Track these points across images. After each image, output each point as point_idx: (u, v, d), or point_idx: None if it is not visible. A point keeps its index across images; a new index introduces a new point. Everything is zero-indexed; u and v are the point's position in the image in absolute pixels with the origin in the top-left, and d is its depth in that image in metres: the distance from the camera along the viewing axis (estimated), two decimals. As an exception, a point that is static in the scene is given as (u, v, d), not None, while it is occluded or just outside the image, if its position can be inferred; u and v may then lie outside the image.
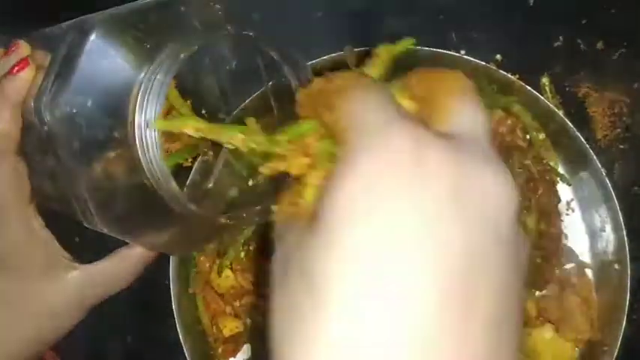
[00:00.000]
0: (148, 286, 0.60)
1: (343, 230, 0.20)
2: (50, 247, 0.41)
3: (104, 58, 0.31)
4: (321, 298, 0.20)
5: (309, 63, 0.55)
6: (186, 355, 0.54)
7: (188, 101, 0.44)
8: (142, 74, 0.32)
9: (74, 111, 0.30)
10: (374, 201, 0.20)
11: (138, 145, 0.32)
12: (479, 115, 0.25)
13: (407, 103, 0.26)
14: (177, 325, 0.54)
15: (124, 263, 0.41)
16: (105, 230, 0.34)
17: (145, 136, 0.31)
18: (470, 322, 0.20)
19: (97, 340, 0.62)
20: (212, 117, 0.44)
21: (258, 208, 0.37)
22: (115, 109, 0.31)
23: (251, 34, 0.36)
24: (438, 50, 0.56)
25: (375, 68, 0.30)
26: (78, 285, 0.40)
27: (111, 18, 0.32)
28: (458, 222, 0.20)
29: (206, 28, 0.36)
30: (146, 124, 0.31)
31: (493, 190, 0.22)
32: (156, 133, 0.31)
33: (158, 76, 0.31)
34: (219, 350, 0.56)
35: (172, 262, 0.55)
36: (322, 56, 0.56)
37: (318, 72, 0.56)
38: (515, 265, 0.22)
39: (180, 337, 0.54)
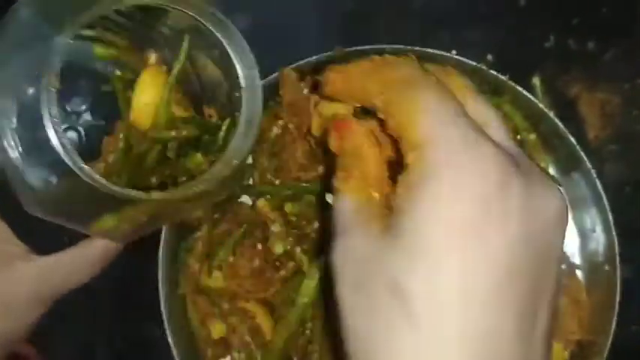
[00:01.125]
0: (137, 287, 0.59)
1: (445, 257, 0.22)
2: (2, 237, 0.40)
3: (27, 33, 0.30)
4: (419, 320, 0.22)
5: (300, 62, 0.55)
6: (175, 357, 0.53)
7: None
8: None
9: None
10: (467, 232, 0.22)
11: (44, 117, 0.30)
12: (500, 120, 0.27)
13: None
14: (166, 327, 0.54)
15: (85, 255, 0.40)
16: (41, 216, 0.32)
17: (49, 105, 0.30)
18: (534, 334, 0.23)
19: (85, 342, 0.61)
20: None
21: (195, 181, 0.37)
22: (35, 85, 0.30)
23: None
24: (429, 50, 0.55)
25: None
26: (34, 277, 0.39)
27: None
28: (534, 255, 0.23)
29: None
30: (47, 92, 0.30)
31: (555, 213, 0.24)
32: (53, 96, 0.30)
33: (58, 39, 0.30)
34: (209, 353, 0.56)
35: (161, 262, 0.54)
36: (312, 56, 0.56)
37: (310, 71, 0.56)
38: (559, 275, 0.25)
39: (169, 339, 0.53)
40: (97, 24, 0.32)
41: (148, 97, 0.39)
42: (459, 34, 0.60)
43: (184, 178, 0.41)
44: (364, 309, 0.23)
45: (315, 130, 0.31)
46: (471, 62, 0.55)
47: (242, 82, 0.38)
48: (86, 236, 0.39)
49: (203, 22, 0.37)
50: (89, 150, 0.30)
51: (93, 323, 0.60)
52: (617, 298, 0.52)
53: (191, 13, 0.36)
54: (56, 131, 0.29)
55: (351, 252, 0.24)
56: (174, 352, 0.53)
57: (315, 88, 0.38)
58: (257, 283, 0.52)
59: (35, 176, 0.32)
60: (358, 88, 0.26)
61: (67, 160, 0.30)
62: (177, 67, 0.40)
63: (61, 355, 0.60)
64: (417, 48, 0.56)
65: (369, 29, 0.61)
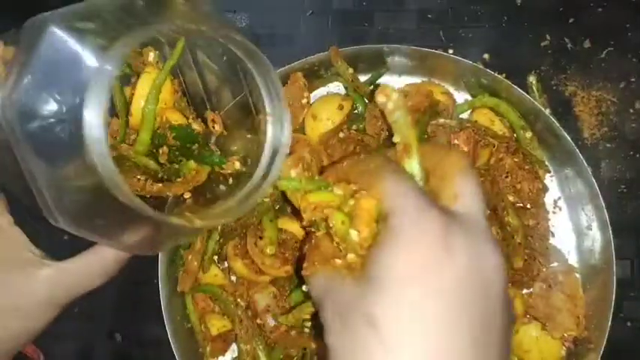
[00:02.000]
0: (137, 285, 0.60)
1: (405, 289, 0.28)
2: (19, 244, 0.40)
3: (61, 53, 0.30)
4: (390, 343, 0.28)
5: (297, 62, 0.55)
6: (175, 353, 0.54)
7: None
8: (95, 68, 0.31)
9: (32, 107, 0.30)
10: (414, 272, 0.28)
11: (87, 143, 0.31)
12: (479, 195, 0.33)
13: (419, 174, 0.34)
14: (166, 324, 0.54)
15: (97, 261, 0.41)
16: (67, 228, 0.33)
17: (92, 133, 0.30)
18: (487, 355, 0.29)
19: (86, 339, 0.62)
20: (198, 113, 0.44)
21: (217, 209, 0.37)
22: (72, 104, 0.31)
23: (204, 29, 0.35)
24: (427, 49, 0.56)
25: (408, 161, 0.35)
26: (49, 282, 0.40)
27: (68, 12, 0.31)
28: (476, 290, 0.29)
29: (163, 22, 0.35)
30: (92, 117, 0.30)
31: (494, 264, 0.30)
32: (102, 129, 0.30)
33: (107, 67, 0.31)
34: (208, 349, 0.56)
35: (161, 261, 0.55)
36: (310, 54, 0.57)
37: (307, 71, 0.56)
38: (509, 325, 0.31)
39: (169, 335, 0.54)
40: (94, 19, 0.33)
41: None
42: (456, 33, 0.61)
43: (179, 179, 0.42)
44: (348, 343, 0.29)
45: (306, 221, 0.37)
46: (467, 61, 0.55)
47: (269, 110, 0.39)
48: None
49: (238, 54, 0.37)
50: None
51: (93, 322, 0.61)
52: (613, 295, 0.52)
53: (231, 47, 0.37)
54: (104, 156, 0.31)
55: (334, 306, 0.31)
56: (174, 348, 0.54)
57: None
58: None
59: (68, 192, 0.33)
60: (343, 179, 0.36)
61: (112, 185, 0.31)
62: (167, 67, 0.39)
63: (62, 353, 0.61)
64: (414, 47, 0.56)
65: (366, 29, 0.61)
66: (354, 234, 0.33)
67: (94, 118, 0.30)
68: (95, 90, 0.31)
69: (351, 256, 0.33)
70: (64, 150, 0.32)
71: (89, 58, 0.31)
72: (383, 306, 0.28)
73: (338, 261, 0.33)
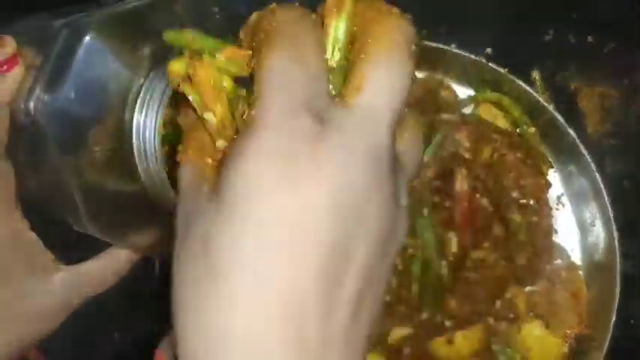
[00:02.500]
0: (137, 284, 0.59)
1: (242, 207, 0.22)
2: (35, 248, 0.40)
3: (99, 60, 0.30)
4: (217, 270, 0.22)
5: None
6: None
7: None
8: (142, 78, 0.31)
9: (66, 113, 0.30)
10: (270, 185, 0.22)
11: (135, 150, 0.31)
12: (392, 95, 0.24)
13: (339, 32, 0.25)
14: (167, 325, 0.54)
15: (111, 263, 0.41)
16: (93, 233, 0.33)
17: (144, 140, 0.31)
18: (339, 296, 0.23)
19: (85, 339, 0.61)
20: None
21: None
22: (108, 113, 0.31)
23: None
24: (429, 43, 0.55)
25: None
26: (63, 286, 0.40)
27: (106, 18, 0.31)
28: (338, 215, 0.22)
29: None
30: (146, 127, 0.31)
31: (369, 188, 0.23)
32: (155, 137, 0.31)
33: (156, 79, 0.31)
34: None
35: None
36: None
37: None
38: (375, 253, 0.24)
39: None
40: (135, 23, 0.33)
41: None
42: (459, 28, 0.60)
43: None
44: (182, 257, 0.23)
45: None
46: (470, 56, 0.55)
47: None
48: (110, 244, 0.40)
49: None
50: (76, 139, 0.31)
51: (93, 323, 0.60)
52: (617, 292, 0.52)
53: None
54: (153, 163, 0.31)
55: (186, 208, 0.25)
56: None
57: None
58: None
59: (102, 199, 0.33)
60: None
61: (160, 196, 0.31)
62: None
63: (62, 352, 0.60)
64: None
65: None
66: (208, 116, 0.26)
67: (146, 131, 0.30)
68: (146, 101, 0.31)
69: (220, 144, 0.26)
70: (100, 160, 0.32)
71: (130, 69, 0.31)
72: (221, 225, 0.22)
73: (209, 160, 0.26)
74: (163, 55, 0.32)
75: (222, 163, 0.23)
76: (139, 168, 0.31)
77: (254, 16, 0.26)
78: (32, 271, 0.40)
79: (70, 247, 0.42)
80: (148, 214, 0.33)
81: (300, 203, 0.22)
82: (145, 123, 0.31)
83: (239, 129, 0.25)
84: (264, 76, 0.23)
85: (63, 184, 0.32)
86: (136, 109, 0.31)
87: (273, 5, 0.26)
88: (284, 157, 0.22)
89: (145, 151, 0.31)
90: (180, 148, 0.28)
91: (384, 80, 0.24)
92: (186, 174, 0.27)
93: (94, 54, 0.30)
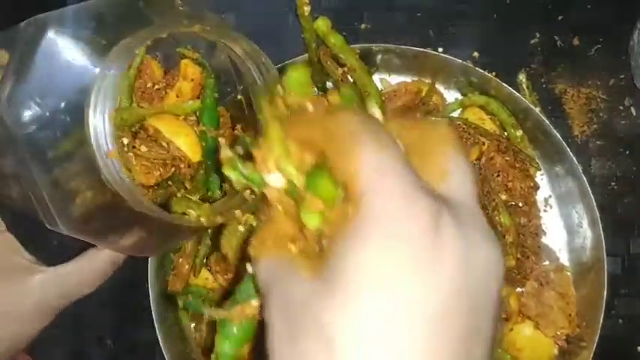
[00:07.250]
0: (127, 289, 0.59)
1: (376, 298, 0.22)
2: (13, 250, 0.40)
3: (60, 55, 0.30)
4: (339, 354, 0.21)
5: (287, 62, 0.55)
6: (166, 357, 0.53)
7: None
8: (105, 72, 0.31)
9: (31, 110, 0.30)
10: (393, 275, 0.22)
11: (93, 143, 0.31)
12: (469, 175, 0.26)
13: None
14: (157, 328, 0.54)
15: (91, 265, 0.41)
16: (66, 232, 0.33)
17: (98, 134, 0.31)
18: None
19: (76, 344, 0.61)
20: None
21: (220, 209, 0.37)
22: (73, 108, 0.31)
23: (209, 29, 0.35)
24: (416, 48, 0.56)
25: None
26: (42, 287, 0.40)
27: (66, 15, 0.31)
28: (464, 303, 0.23)
29: (165, 23, 0.35)
30: (99, 122, 0.31)
31: (490, 262, 0.24)
32: (109, 129, 0.31)
33: (111, 71, 0.30)
34: (200, 352, 0.56)
35: (151, 264, 0.54)
36: (298, 55, 0.56)
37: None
38: (496, 323, 0.24)
39: (160, 339, 0.53)
40: (93, 20, 0.33)
41: None
42: (446, 32, 0.60)
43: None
44: (295, 353, 0.23)
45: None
46: (457, 60, 0.55)
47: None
48: (93, 246, 0.40)
49: (239, 54, 0.37)
50: (41, 133, 0.31)
51: (83, 327, 0.60)
52: (605, 292, 0.52)
53: (236, 51, 0.36)
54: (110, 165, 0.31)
55: (282, 303, 0.24)
56: (165, 351, 0.53)
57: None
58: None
59: (71, 197, 0.32)
60: (299, 135, 0.26)
61: (122, 189, 0.31)
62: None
63: (53, 357, 0.60)
64: (403, 46, 0.56)
65: (356, 28, 0.61)
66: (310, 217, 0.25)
67: (99, 123, 0.30)
68: (99, 94, 0.30)
69: (311, 239, 0.25)
70: (66, 155, 0.31)
71: (90, 62, 0.31)
72: (343, 316, 0.22)
73: (292, 247, 0.26)
74: (126, 51, 0.32)
75: (335, 250, 0.23)
76: (98, 159, 0.31)
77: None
78: (9, 272, 0.39)
79: (50, 250, 0.42)
80: (126, 214, 0.32)
81: (433, 297, 0.22)
82: (98, 113, 0.31)
83: (339, 214, 0.24)
84: (362, 171, 0.23)
85: (32, 182, 0.31)
86: (91, 101, 0.31)
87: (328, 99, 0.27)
88: (406, 242, 0.22)
89: (100, 141, 0.31)
90: (254, 242, 0.27)
91: (464, 166, 0.26)
92: (268, 266, 0.26)
93: (55, 50, 0.30)
